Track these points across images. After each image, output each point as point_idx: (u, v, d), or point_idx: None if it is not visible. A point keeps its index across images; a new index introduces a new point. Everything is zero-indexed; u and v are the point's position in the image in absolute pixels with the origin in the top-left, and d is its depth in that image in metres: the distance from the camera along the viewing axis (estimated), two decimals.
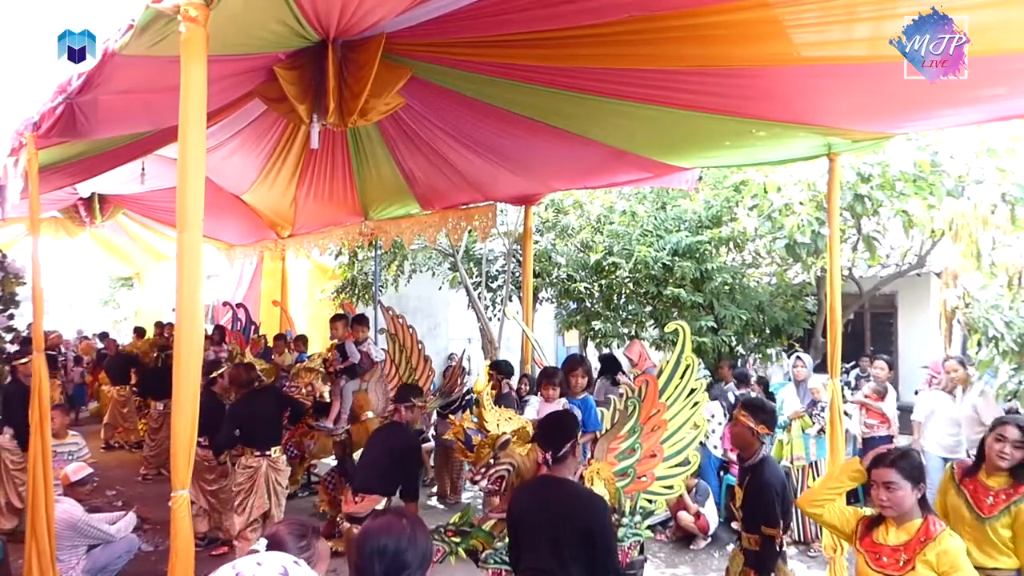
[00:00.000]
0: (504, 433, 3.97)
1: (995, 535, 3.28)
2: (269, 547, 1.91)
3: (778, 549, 3.60)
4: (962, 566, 2.70)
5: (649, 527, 4.19)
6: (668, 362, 4.26)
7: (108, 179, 7.29)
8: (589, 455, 4.29)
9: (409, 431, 5.02)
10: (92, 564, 4.87)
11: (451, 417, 4.33)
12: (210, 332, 9.62)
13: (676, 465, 4.26)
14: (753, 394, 7.52)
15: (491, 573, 3.70)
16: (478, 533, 3.99)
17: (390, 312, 6.81)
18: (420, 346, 6.68)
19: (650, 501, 4.22)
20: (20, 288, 7.83)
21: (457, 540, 4.00)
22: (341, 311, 8.73)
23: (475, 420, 4.09)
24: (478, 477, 3.94)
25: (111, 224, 10.41)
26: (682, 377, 4.23)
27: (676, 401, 4.25)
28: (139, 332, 12.49)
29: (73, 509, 4.78)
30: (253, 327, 10.64)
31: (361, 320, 7.12)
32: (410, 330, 6.69)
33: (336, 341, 7.05)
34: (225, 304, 11.51)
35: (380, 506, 4.69)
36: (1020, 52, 2.95)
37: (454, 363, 7.58)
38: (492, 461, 3.92)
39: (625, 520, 3.95)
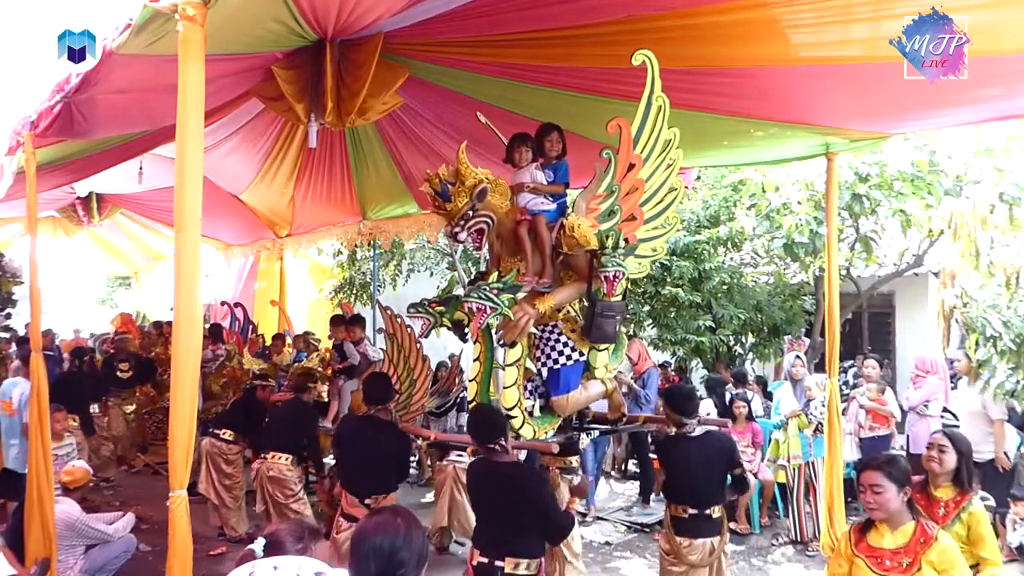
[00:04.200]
0: (482, 180, 3.62)
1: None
2: (267, 548, 1.89)
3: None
4: (959, 563, 2.83)
5: (645, 525, 4.09)
6: (640, 104, 3.72)
7: (106, 178, 7.28)
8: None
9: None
10: (90, 564, 4.85)
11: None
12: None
13: (657, 227, 4.01)
14: (750, 394, 7.53)
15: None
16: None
17: (388, 312, 6.80)
18: (418, 346, 6.66)
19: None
20: (17, 287, 7.82)
21: (442, 310, 3.93)
22: (340, 311, 8.72)
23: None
24: (457, 229, 3.63)
25: (109, 223, 10.39)
26: (655, 122, 3.76)
27: (651, 156, 3.85)
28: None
29: (71, 509, 4.75)
30: (251, 327, 10.63)
31: (356, 321, 7.12)
32: (408, 330, 6.68)
33: (334, 341, 7.06)
34: (223, 303, 11.50)
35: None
36: (1019, 52, 2.96)
37: (451, 363, 7.54)
38: (471, 212, 3.62)
39: (606, 255, 3.76)
